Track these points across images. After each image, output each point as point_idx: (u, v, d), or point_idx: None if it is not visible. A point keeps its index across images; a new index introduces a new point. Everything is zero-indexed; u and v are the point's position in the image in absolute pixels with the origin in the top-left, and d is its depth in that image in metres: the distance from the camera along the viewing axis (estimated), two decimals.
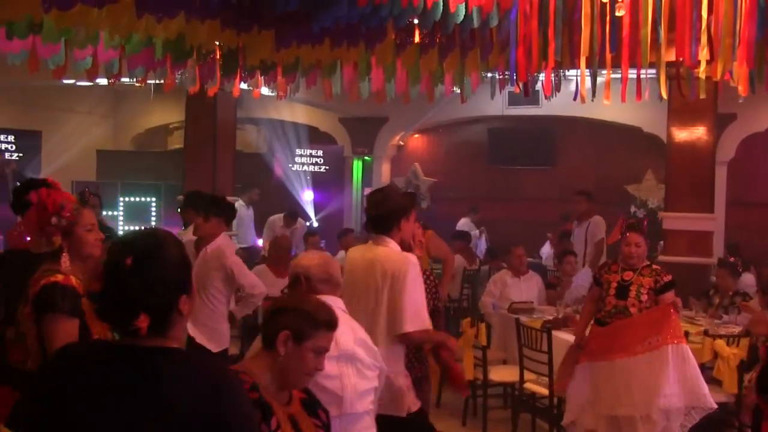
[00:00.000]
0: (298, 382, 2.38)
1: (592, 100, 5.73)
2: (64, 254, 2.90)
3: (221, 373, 1.84)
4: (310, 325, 2.34)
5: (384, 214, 3.78)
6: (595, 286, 5.23)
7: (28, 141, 13.00)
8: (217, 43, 6.25)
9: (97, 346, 2.01)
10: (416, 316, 3.64)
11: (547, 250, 11.33)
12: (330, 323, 2.39)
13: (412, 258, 3.75)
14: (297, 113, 14.02)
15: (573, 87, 5.87)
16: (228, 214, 5.46)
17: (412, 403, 3.73)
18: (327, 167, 14.12)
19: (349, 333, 2.85)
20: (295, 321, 2.33)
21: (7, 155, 12.51)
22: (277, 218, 11.17)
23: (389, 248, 3.76)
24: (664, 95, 5.43)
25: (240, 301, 5.63)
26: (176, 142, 15.13)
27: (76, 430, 1.74)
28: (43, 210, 2.96)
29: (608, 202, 12.35)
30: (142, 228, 1.89)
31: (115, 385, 1.75)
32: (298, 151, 14.05)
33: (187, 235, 5.69)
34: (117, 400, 1.73)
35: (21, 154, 12.81)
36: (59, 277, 2.79)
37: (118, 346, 1.83)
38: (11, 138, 12.80)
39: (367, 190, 14.43)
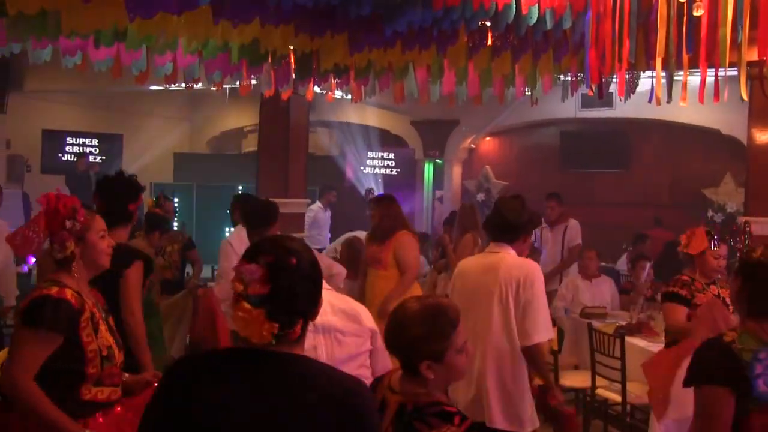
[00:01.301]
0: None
1: (668, 102, 5.61)
2: (75, 261, 2.81)
3: (348, 379, 1.84)
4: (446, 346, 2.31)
5: (519, 224, 3.73)
6: (681, 306, 4.47)
7: (110, 144, 13.49)
8: (291, 47, 6.36)
9: (222, 353, 2.01)
10: (547, 327, 3.59)
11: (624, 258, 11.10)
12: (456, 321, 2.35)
13: (537, 265, 3.72)
14: (368, 116, 14.13)
15: (648, 88, 5.76)
16: (276, 216, 5.46)
17: (532, 420, 3.66)
18: (398, 170, 14.18)
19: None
20: (433, 347, 2.28)
21: (90, 158, 13.01)
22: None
23: (512, 255, 3.72)
24: (745, 96, 5.27)
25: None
26: (250, 145, 15.46)
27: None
28: (55, 213, 2.78)
29: (684, 206, 12.05)
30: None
31: (259, 388, 1.75)
32: (370, 154, 14.16)
33: (237, 234, 5.79)
34: (259, 402, 1.74)
35: (103, 157, 13.30)
36: (53, 290, 2.70)
37: (254, 350, 1.78)
38: (95, 141, 13.30)
39: (438, 193, 14.45)
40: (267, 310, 1.74)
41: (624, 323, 6.08)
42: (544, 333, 3.53)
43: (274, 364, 1.77)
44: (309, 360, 1.84)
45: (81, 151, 13.04)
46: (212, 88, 9.57)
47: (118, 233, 3.87)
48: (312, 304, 1.82)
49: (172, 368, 1.92)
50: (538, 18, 4.89)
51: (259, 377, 1.76)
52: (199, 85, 7.90)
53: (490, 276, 3.64)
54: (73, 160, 12.77)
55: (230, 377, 1.77)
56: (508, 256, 3.69)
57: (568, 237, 7.97)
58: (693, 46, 4.91)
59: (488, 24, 5.68)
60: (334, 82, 7.62)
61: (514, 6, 4.74)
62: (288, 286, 1.76)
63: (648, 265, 7.63)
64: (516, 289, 3.57)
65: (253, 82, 8.06)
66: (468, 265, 3.87)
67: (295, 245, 1.84)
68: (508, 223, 3.71)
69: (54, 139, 12.87)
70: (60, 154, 12.92)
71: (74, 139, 13.15)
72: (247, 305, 1.74)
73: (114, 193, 3.95)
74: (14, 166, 12.27)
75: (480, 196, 13.72)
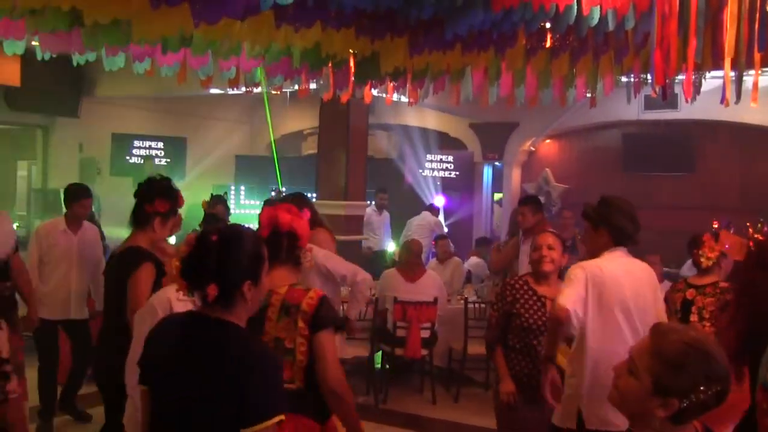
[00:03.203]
0: None
1: (736, 103, 5.46)
2: None
3: (261, 350, 2.21)
4: None
5: (638, 227, 3.76)
6: None
7: (175, 146, 13.80)
8: (351, 51, 6.42)
9: (185, 314, 2.37)
10: None
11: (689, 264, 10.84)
12: None
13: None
14: (427, 119, 14.13)
15: (714, 89, 5.61)
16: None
17: None
18: (457, 173, 14.14)
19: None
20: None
21: (156, 160, 13.35)
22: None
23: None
24: None
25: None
26: (310, 148, 15.62)
27: (159, 377, 2.21)
28: None
29: (754, 210, 11.68)
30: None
31: (184, 345, 2.19)
32: (429, 157, 14.16)
33: None
34: (183, 357, 2.18)
35: (168, 159, 13.62)
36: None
37: (195, 314, 2.24)
38: (160, 144, 13.63)
39: (497, 197, 14.36)
40: (182, 268, 2.19)
41: None
42: None
43: (199, 327, 2.18)
44: (231, 326, 2.19)
45: (147, 153, 13.38)
46: (272, 92, 9.72)
47: (135, 236, 4.12)
48: (226, 278, 2.16)
49: (155, 326, 2.37)
50: (600, 18, 4.83)
51: (185, 338, 2.20)
52: (259, 89, 8.04)
53: (648, 282, 3.75)
54: (140, 163, 13.12)
55: (173, 336, 2.24)
56: (641, 262, 3.83)
57: None
58: (765, 44, 4.77)
59: (548, 26, 5.63)
60: (391, 84, 7.66)
61: (576, 7, 4.69)
62: (199, 254, 2.16)
63: None
64: (655, 293, 3.79)
65: (312, 85, 8.16)
66: (619, 269, 3.73)
67: (235, 230, 2.26)
68: (635, 230, 3.77)
69: (122, 142, 13.23)
70: (128, 157, 13.28)
71: (141, 142, 13.49)
72: (176, 262, 2.21)
73: (137, 195, 4.21)
74: (87, 169, 12.69)
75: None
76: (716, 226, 5.15)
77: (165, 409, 2.18)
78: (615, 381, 1.99)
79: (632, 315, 3.56)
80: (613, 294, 3.56)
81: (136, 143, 13.43)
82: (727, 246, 4.83)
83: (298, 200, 5.33)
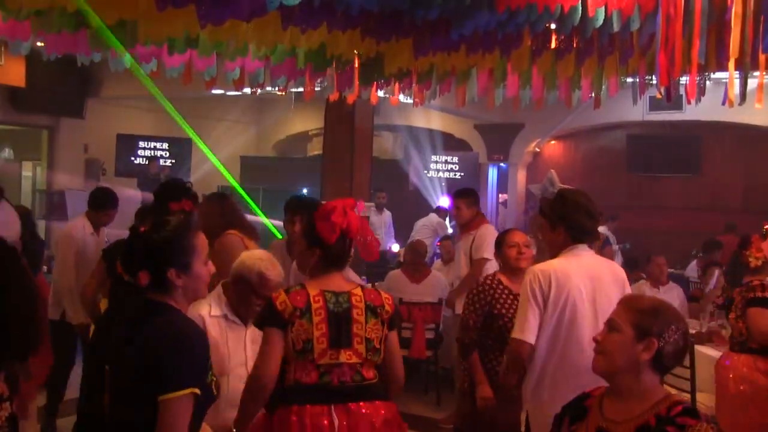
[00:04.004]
0: None
1: (740, 104, 5.45)
2: None
3: (184, 327, 2.31)
4: None
5: (598, 223, 3.58)
6: None
7: (180, 148, 13.82)
8: (356, 51, 6.43)
9: (137, 298, 2.53)
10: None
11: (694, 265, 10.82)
12: None
13: None
14: (433, 120, 14.14)
15: (720, 90, 5.61)
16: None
17: None
18: (462, 174, 14.14)
19: None
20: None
21: (161, 161, 13.38)
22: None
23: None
24: None
25: None
26: (316, 149, 15.64)
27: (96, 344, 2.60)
28: None
29: (758, 211, 11.66)
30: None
31: (124, 323, 2.39)
32: (434, 158, 14.16)
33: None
34: (117, 328, 2.42)
35: (173, 160, 13.65)
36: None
37: (140, 297, 2.40)
38: (165, 145, 13.66)
39: (502, 197, 14.36)
40: (120, 258, 2.45)
41: (693, 332, 5.94)
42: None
43: (140, 308, 2.36)
44: (162, 305, 2.33)
45: (152, 154, 13.42)
46: (277, 92, 9.74)
47: None
48: (152, 266, 2.32)
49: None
50: (604, 20, 4.83)
51: (128, 318, 2.40)
52: (266, 89, 8.06)
53: (613, 280, 3.55)
54: (145, 164, 13.15)
55: (124, 316, 2.46)
56: (605, 259, 3.78)
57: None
58: None
59: (553, 27, 5.64)
60: (396, 85, 7.67)
61: (581, 8, 4.69)
62: (129, 242, 2.38)
63: (718, 272, 7.43)
64: (623, 290, 3.54)
65: (318, 87, 8.18)
66: (587, 266, 3.60)
67: (164, 220, 2.40)
68: (595, 227, 3.59)
69: (127, 143, 13.27)
70: (133, 158, 13.32)
71: (146, 143, 13.53)
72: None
73: (156, 194, 4.38)
74: (91, 169, 12.73)
75: None
76: (767, 227, 5.10)
77: (96, 372, 2.48)
78: (598, 347, 2.36)
79: (588, 315, 3.35)
80: (568, 295, 3.36)
81: (141, 144, 13.46)
82: None
83: (216, 198, 5.18)
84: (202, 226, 2.66)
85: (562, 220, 3.48)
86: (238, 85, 7.34)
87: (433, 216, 11.76)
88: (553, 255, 3.55)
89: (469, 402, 4.38)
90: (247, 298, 3.44)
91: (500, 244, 4.48)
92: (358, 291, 3.06)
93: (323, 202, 3.22)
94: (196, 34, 5.39)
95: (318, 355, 2.94)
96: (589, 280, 3.40)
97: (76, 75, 11.07)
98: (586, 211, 3.48)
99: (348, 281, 3.14)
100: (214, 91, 10.95)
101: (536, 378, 3.44)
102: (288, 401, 2.92)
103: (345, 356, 2.97)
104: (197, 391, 2.20)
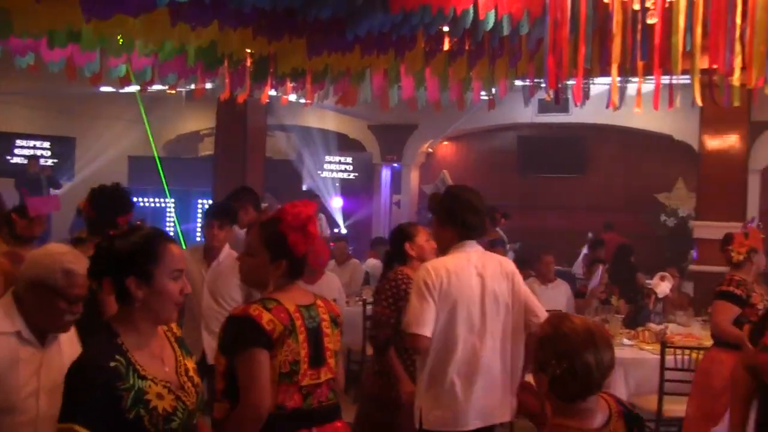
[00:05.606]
0: None
1: (617, 109, 5.68)
2: None
3: (81, 357, 2.23)
4: None
5: (484, 219, 3.62)
6: (734, 306, 4.63)
7: (63, 147, 13.24)
8: (248, 50, 6.31)
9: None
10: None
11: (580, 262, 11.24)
12: None
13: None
14: (326, 120, 14.10)
15: (604, 94, 5.84)
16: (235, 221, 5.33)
17: None
18: (356, 174, 14.17)
19: None
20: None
21: (42, 161, 12.72)
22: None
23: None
24: (699, 102, 5.38)
25: None
26: (207, 149, 15.30)
27: None
28: None
29: (638, 210, 12.27)
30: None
31: None
32: (328, 158, 14.12)
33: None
34: None
35: (56, 160, 13.03)
36: None
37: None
38: (46, 144, 13.04)
39: (396, 198, 14.47)
40: (89, 265, 2.33)
41: None
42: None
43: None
44: (101, 327, 2.26)
45: (32, 153, 12.76)
46: (168, 91, 9.46)
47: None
48: (113, 273, 2.22)
49: None
50: (495, 23, 4.93)
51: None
52: (155, 87, 7.80)
53: (493, 275, 3.59)
54: (23, 163, 12.49)
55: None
56: (492, 254, 3.76)
57: None
58: (647, 53, 5.00)
59: (446, 29, 5.71)
60: (289, 85, 7.59)
61: (472, 11, 4.77)
62: (97, 250, 2.28)
63: (601, 268, 7.74)
64: (513, 282, 3.61)
65: (209, 85, 7.99)
66: (459, 266, 3.65)
67: (130, 228, 2.35)
68: (480, 221, 3.61)
69: (3, 141, 12.58)
70: (9, 157, 12.63)
71: (25, 141, 12.87)
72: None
73: (104, 204, 3.88)
74: None
75: None
76: (749, 226, 5.31)
77: None
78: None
79: (477, 310, 3.44)
80: (457, 292, 3.44)
81: (19, 142, 12.79)
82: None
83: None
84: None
85: (450, 217, 3.54)
86: (124, 82, 7.06)
87: (322, 216, 11.71)
88: (443, 251, 3.62)
89: (379, 408, 4.19)
90: (52, 306, 2.59)
91: (412, 236, 4.35)
92: (320, 302, 2.83)
93: (285, 209, 2.88)
94: (79, 28, 5.14)
95: (302, 376, 2.67)
96: (478, 276, 3.49)
97: None
98: (473, 207, 3.55)
99: (306, 291, 2.86)
100: (103, 89, 10.53)
101: (429, 372, 3.47)
102: (274, 429, 2.61)
103: (323, 374, 2.74)
104: (76, 428, 2.08)
